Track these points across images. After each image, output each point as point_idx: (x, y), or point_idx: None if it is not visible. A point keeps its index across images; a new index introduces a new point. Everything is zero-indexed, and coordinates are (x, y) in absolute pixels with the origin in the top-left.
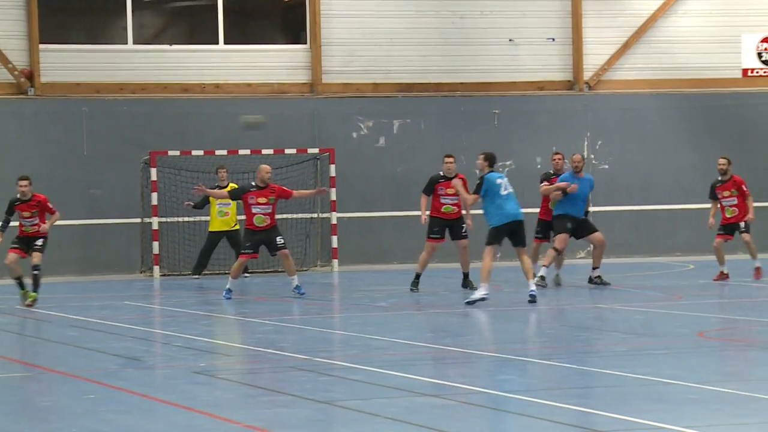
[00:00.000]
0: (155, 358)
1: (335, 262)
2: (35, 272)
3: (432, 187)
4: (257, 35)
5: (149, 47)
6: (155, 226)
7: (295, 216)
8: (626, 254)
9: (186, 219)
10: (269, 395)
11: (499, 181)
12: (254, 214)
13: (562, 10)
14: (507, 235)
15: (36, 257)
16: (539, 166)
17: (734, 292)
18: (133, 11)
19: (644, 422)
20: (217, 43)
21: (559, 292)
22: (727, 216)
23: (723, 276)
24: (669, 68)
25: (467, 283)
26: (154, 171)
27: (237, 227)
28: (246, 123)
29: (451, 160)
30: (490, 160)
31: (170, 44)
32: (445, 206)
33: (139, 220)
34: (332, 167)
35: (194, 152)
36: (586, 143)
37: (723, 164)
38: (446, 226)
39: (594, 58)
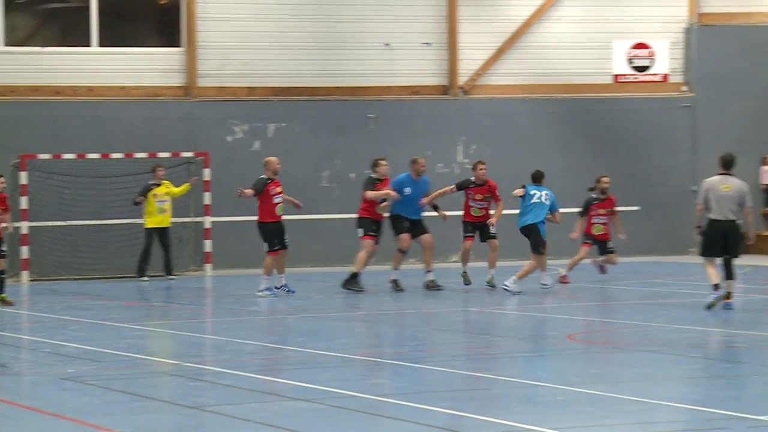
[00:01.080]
0: (22, 364)
1: (208, 266)
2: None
3: (463, 191)
4: (131, 38)
5: (21, 49)
6: (24, 231)
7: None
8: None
9: (57, 223)
10: (139, 401)
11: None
12: (276, 204)
13: (437, 15)
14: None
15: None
16: None
17: (602, 295)
18: (5, 12)
19: (513, 424)
20: (90, 45)
21: (432, 295)
22: (595, 233)
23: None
24: (542, 73)
25: (492, 281)
26: (24, 174)
27: (169, 225)
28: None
29: (483, 167)
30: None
31: (43, 46)
32: (473, 209)
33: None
34: (206, 171)
35: (66, 156)
36: (460, 147)
37: (607, 183)
38: (476, 228)
39: (469, 63)
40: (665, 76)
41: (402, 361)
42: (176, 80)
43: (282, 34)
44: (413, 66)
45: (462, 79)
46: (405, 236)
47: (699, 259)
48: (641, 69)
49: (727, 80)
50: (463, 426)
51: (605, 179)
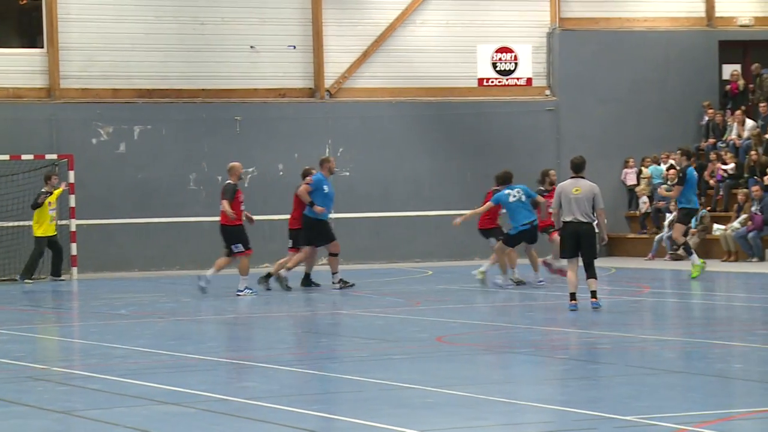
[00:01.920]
0: None
1: (74, 269)
2: None
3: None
4: None
5: None
6: None
7: (31, 223)
8: (366, 260)
9: None
10: (4, 406)
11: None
12: (242, 208)
13: (303, 17)
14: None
15: None
16: (281, 173)
17: (470, 298)
18: None
19: (384, 426)
20: None
21: (305, 299)
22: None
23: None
24: (408, 77)
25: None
26: None
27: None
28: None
29: (554, 172)
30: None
31: None
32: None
33: None
34: (71, 173)
35: None
36: (327, 150)
37: (555, 175)
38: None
39: (335, 66)
40: (529, 80)
41: (272, 364)
42: (39, 82)
43: (146, 35)
44: (279, 69)
45: (328, 82)
46: (335, 242)
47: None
48: (505, 73)
49: (589, 84)
50: (334, 429)
51: (553, 172)
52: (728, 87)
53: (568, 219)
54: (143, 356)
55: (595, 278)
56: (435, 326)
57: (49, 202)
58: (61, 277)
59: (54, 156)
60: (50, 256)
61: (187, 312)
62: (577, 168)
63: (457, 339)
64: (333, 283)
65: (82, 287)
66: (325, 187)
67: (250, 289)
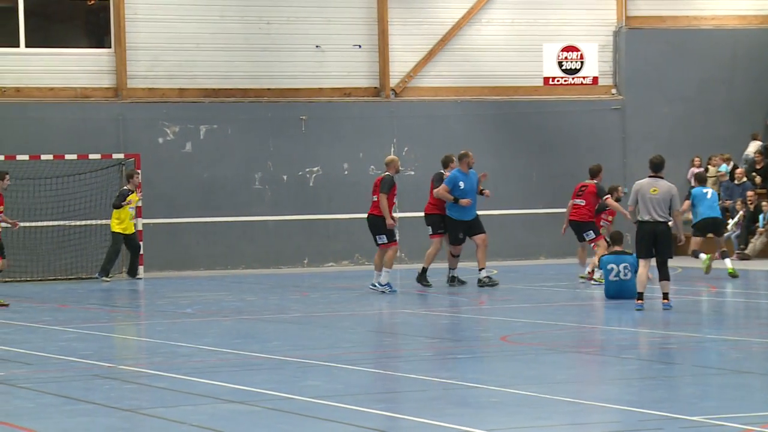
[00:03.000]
0: None
1: (141, 268)
2: None
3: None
4: (60, 38)
5: None
6: None
7: (99, 222)
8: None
9: None
10: (72, 404)
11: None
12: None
13: (368, 17)
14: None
15: None
16: (346, 172)
17: (534, 296)
18: None
19: (449, 426)
20: (18, 46)
21: (368, 297)
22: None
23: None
24: (473, 76)
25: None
26: None
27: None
28: None
29: (621, 188)
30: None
31: None
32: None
33: None
34: (138, 173)
35: None
36: (392, 150)
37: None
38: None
39: (400, 65)
40: (595, 79)
41: (336, 363)
42: (106, 82)
43: (212, 35)
44: (345, 68)
45: (393, 81)
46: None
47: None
48: (571, 72)
49: (655, 83)
50: (399, 428)
51: (621, 188)
52: None
53: (645, 218)
54: (209, 354)
55: (668, 279)
56: (499, 325)
57: (130, 200)
58: (139, 276)
59: (121, 155)
60: (128, 255)
61: (252, 310)
62: (656, 167)
63: (521, 338)
64: (479, 279)
65: (148, 286)
66: (461, 183)
67: (390, 286)
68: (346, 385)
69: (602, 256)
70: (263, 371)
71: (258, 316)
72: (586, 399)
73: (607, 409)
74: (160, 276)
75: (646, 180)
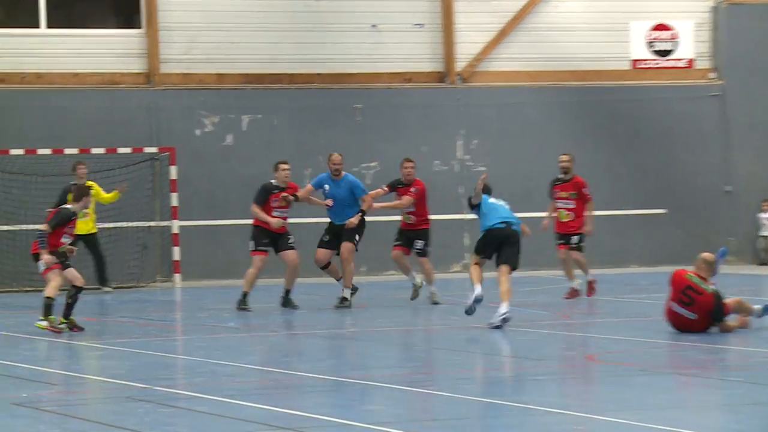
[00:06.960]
0: None
1: (177, 276)
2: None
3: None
4: (85, 18)
5: None
6: None
7: (130, 224)
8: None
9: (4, 228)
10: (101, 429)
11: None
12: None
13: None
14: None
15: None
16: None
17: (622, 310)
18: None
19: None
20: (38, 26)
21: (428, 310)
22: (562, 220)
23: (574, 293)
24: (551, 58)
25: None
26: None
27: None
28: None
29: (410, 164)
30: None
31: None
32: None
33: None
34: (173, 169)
35: (13, 151)
36: (460, 142)
37: (565, 161)
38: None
39: (467, 46)
40: (690, 62)
41: (399, 385)
42: (136, 66)
43: (255, 14)
44: (404, 50)
45: (460, 65)
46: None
47: (732, 269)
48: (663, 53)
49: (760, 65)
50: None
51: (563, 157)
52: None
53: None
54: (254, 374)
55: None
56: (585, 343)
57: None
58: (108, 288)
59: (154, 149)
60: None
61: (302, 325)
62: None
63: (610, 357)
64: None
65: (185, 296)
66: (326, 186)
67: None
68: (411, 410)
69: None
70: (315, 393)
71: (310, 330)
72: (685, 427)
73: None
74: (200, 285)
75: None
